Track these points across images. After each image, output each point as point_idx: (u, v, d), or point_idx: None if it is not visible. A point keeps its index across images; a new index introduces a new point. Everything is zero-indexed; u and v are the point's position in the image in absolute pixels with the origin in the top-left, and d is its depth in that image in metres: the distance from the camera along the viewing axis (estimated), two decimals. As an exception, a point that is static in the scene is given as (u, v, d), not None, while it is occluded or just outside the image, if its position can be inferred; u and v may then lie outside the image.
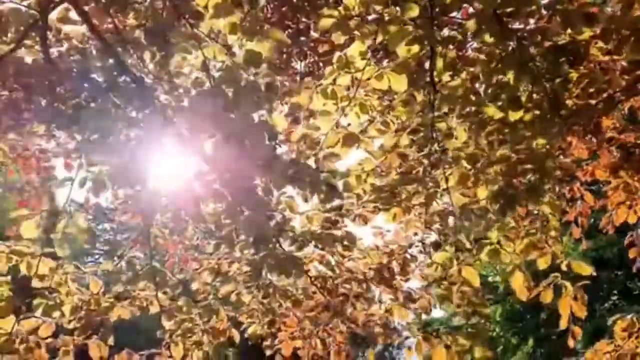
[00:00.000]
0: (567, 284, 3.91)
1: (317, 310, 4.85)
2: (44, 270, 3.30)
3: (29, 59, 3.79)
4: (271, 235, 3.26)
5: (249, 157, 2.95)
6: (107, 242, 27.19)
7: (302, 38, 5.31)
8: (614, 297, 14.12)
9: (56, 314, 3.45)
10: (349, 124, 3.24)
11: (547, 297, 3.95)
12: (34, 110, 4.16)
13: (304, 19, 5.22)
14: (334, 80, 3.04)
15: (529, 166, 3.63)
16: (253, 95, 2.77)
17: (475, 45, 3.96)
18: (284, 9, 5.14)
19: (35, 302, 3.33)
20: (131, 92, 3.71)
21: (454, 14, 3.59)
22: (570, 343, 4.05)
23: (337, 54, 2.99)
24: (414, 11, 2.95)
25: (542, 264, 4.01)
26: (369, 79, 3.02)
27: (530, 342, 14.98)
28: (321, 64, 5.28)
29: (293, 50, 5.23)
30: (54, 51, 3.71)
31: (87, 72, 3.69)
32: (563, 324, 3.97)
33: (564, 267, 4.01)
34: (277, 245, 4.13)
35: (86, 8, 3.36)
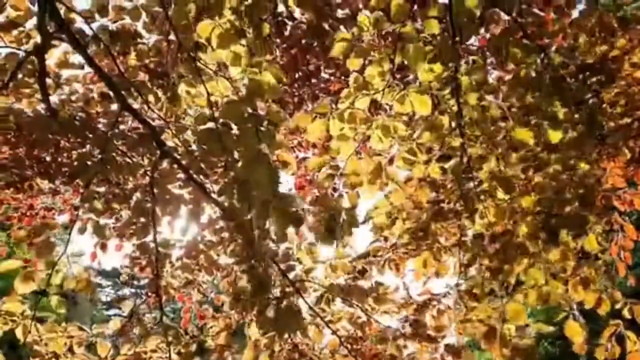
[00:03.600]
0: (631, 334, 3.34)
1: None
2: (44, 334, 2.97)
3: (29, 111, 3.61)
4: (269, 286, 2.92)
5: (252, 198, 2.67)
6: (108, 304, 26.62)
7: (314, 80, 5.15)
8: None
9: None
10: (373, 153, 2.94)
11: (615, 352, 3.36)
12: (37, 166, 3.97)
13: (314, 60, 5.07)
14: (352, 103, 2.78)
15: (570, 193, 3.31)
16: (255, 127, 2.50)
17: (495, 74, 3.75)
18: (293, 51, 5.00)
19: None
20: (137, 139, 3.51)
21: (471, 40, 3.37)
22: None
23: (354, 74, 2.74)
24: (434, 28, 2.72)
25: (602, 309, 3.42)
26: (390, 102, 2.76)
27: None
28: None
29: (304, 93, 5.05)
30: (54, 99, 3.53)
31: (90, 119, 3.50)
32: None
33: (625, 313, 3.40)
34: (297, 299, 3.76)
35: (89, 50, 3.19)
